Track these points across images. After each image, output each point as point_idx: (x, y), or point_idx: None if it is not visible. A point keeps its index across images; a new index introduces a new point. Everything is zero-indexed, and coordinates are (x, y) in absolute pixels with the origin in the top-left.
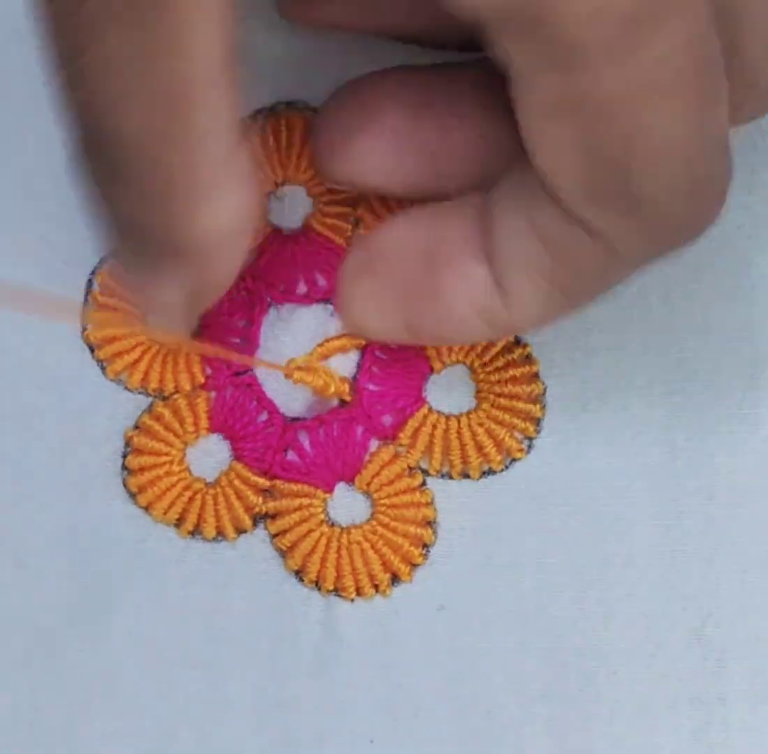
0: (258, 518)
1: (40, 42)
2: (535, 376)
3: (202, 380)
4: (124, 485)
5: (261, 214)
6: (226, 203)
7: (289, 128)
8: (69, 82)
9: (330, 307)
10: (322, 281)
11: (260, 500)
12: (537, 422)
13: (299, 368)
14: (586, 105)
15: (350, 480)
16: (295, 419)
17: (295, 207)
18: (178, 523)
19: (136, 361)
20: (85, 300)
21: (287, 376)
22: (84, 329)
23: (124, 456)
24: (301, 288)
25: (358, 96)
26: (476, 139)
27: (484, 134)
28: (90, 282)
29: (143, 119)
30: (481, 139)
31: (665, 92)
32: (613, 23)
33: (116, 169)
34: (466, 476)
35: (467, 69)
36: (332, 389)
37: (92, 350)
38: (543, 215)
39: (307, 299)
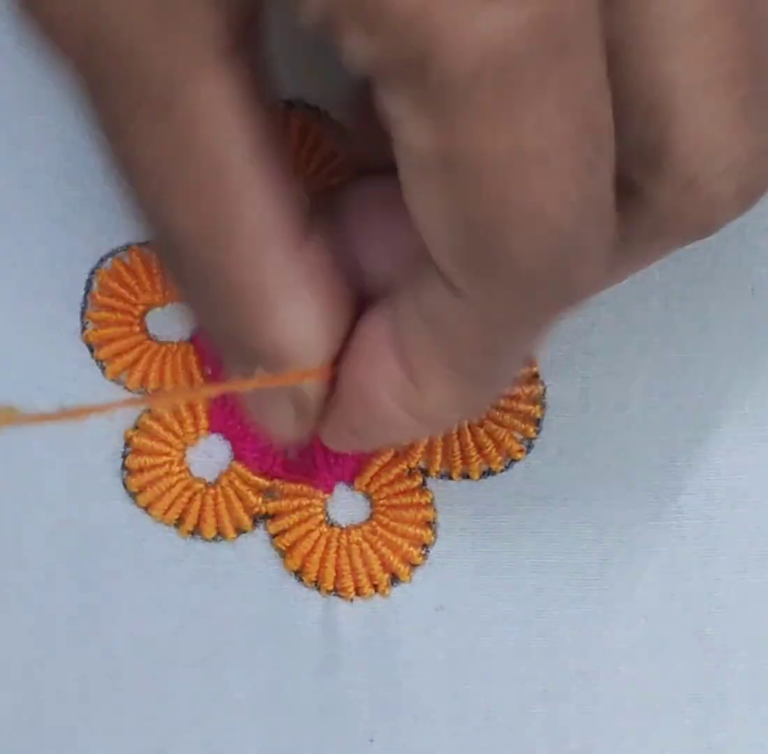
0: (258, 518)
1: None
2: (535, 377)
3: (202, 380)
4: (124, 485)
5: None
6: (296, 310)
7: (287, 128)
8: (117, 174)
9: None
10: None
11: (260, 500)
12: (536, 422)
13: None
14: (456, 163)
15: (350, 481)
16: None
17: None
18: (178, 523)
19: (136, 362)
20: (85, 299)
21: None
22: (84, 328)
23: (124, 456)
24: None
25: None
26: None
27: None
28: (89, 282)
29: (186, 218)
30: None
31: (538, 159)
32: (493, 84)
33: (181, 269)
34: (466, 476)
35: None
36: None
37: (91, 350)
38: (431, 294)
39: None
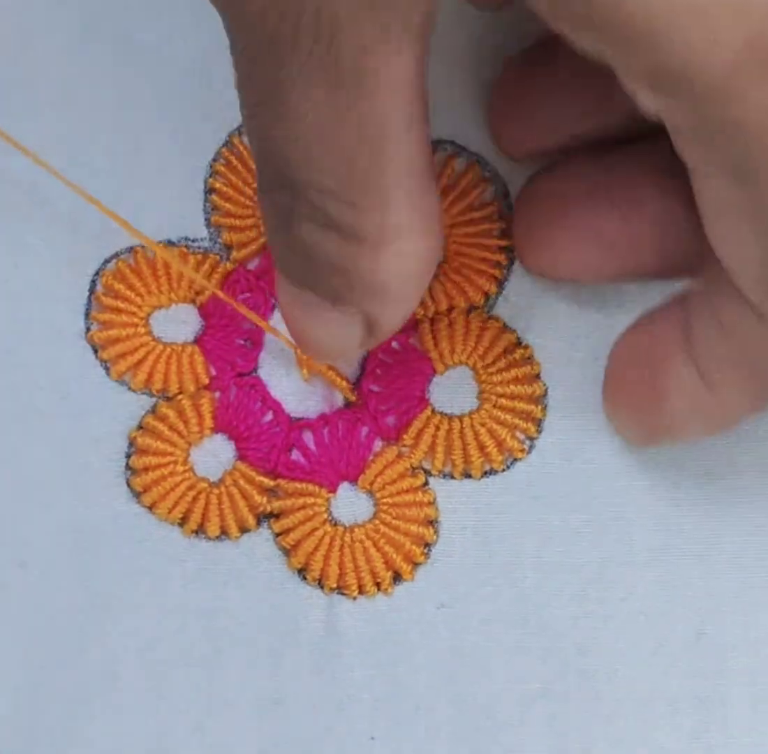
0: (262, 518)
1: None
2: (537, 377)
3: (207, 381)
4: (128, 485)
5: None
6: (412, 245)
7: None
8: (256, 126)
9: None
10: None
11: (264, 499)
12: (538, 422)
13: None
14: (761, 214)
15: (353, 480)
16: (299, 419)
17: None
18: (182, 522)
19: (141, 362)
20: (89, 300)
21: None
22: (88, 329)
23: (128, 456)
24: None
25: (544, 187)
26: (655, 230)
27: (664, 225)
28: (93, 283)
29: (327, 172)
30: (660, 230)
31: None
32: None
33: (298, 206)
34: (468, 475)
35: (647, 153)
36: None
37: (96, 351)
38: (732, 313)
39: None
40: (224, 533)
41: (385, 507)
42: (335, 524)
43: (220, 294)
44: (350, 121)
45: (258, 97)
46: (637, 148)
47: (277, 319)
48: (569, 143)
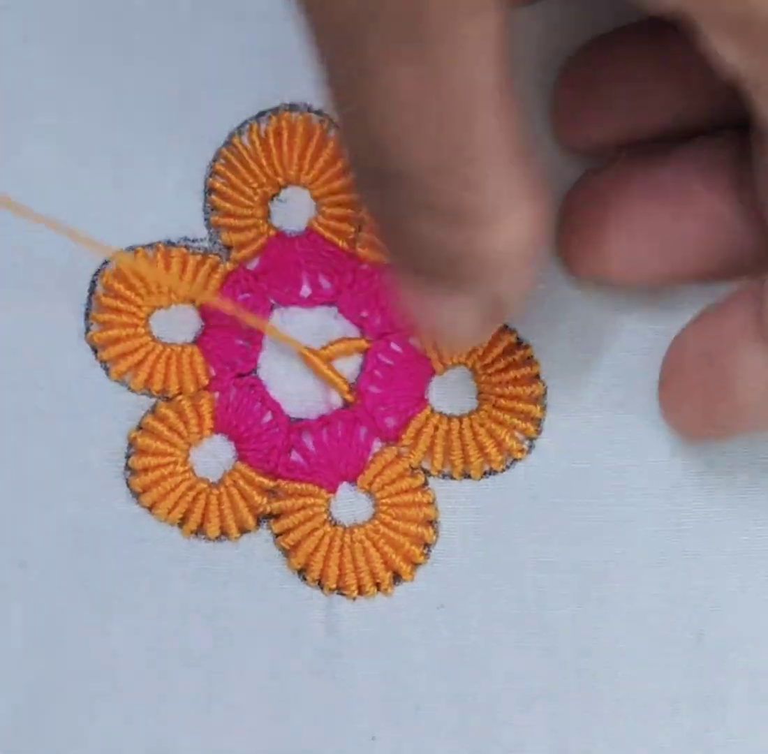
0: (261, 518)
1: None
2: (536, 377)
3: (206, 381)
4: (128, 485)
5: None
6: (514, 219)
7: (291, 130)
8: (349, 120)
9: (333, 309)
10: (325, 284)
11: (264, 500)
12: (538, 422)
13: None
14: None
15: (353, 480)
16: (298, 420)
17: (298, 209)
18: (182, 523)
19: (141, 362)
20: (89, 300)
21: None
22: (87, 330)
23: (128, 457)
24: (305, 290)
25: (593, 186)
26: (707, 229)
27: (716, 223)
28: (93, 283)
29: (427, 150)
30: (713, 229)
31: None
32: None
33: (404, 197)
34: (468, 476)
35: (698, 150)
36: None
37: (96, 351)
38: None
39: (311, 302)
40: (224, 533)
41: (384, 507)
42: (335, 525)
43: (210, 299)
44: (440, 90)
45: (346, 84)
46: (688, 147)
47: (275, 323)
48: (640, 136)
